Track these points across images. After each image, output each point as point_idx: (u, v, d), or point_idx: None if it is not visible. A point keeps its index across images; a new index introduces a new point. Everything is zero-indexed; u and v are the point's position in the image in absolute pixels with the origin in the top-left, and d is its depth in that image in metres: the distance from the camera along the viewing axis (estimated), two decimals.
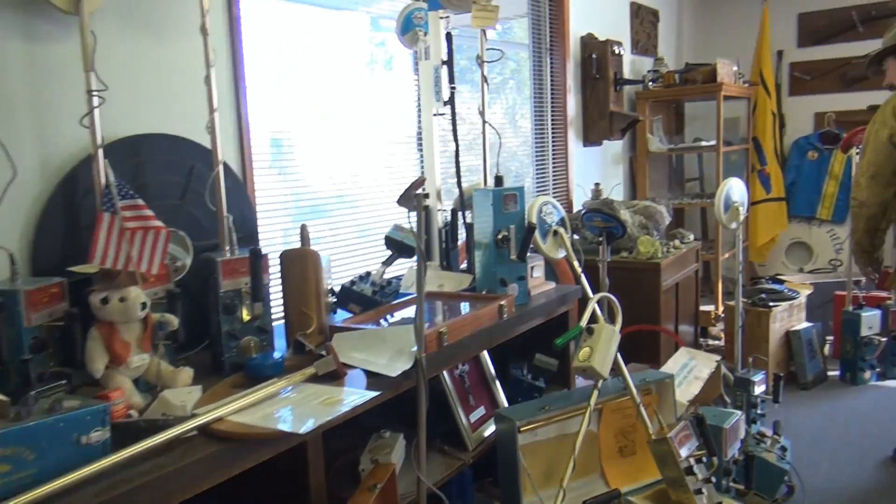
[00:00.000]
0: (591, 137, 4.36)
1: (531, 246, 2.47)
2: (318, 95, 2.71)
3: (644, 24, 5.00)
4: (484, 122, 2.53)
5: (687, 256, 3.88)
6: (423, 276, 1.70)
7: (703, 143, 4.74)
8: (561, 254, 2.51)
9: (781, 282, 4.77)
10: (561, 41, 4.09)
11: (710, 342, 4.58)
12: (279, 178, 2.59)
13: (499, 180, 2.45)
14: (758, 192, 5.52)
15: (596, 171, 4.53)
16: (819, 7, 5.71)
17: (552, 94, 4.16)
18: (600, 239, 2.71)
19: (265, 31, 2.49)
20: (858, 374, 3.91)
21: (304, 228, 1.98)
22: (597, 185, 4.14)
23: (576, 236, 3.35)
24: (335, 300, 2.14)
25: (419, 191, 1.71)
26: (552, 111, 4.17)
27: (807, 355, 3.90)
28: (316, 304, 1.92)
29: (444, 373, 2.21)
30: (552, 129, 4.19)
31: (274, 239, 2.50)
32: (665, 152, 4.83)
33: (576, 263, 2.48)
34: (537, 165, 4.13)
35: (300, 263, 1.93)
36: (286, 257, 1.95)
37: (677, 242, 3.77)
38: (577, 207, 4.16)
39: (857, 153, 3.86)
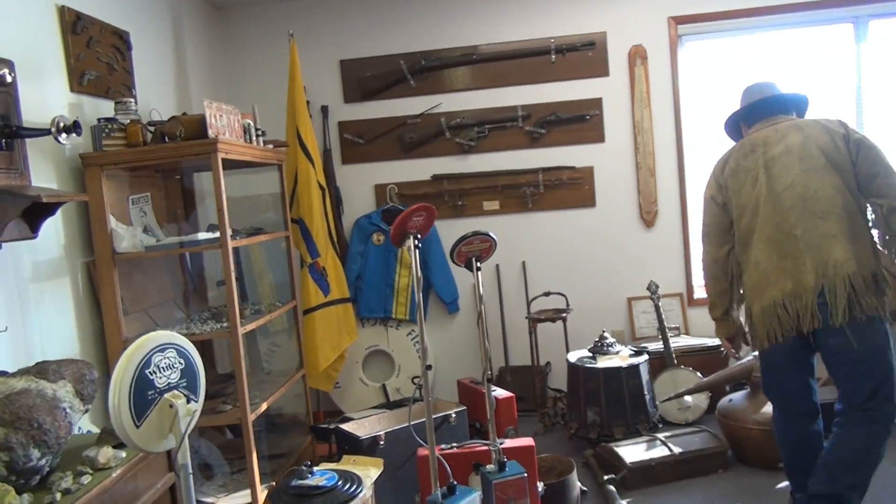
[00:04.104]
0: None
1: None
2: None
3: (97, 47, 3.06)
4: None
5: (140, 474, 1.94)
6: None
7: (202, 236, 2.93)
8: None
9: (346, 439, 3.18)
10: None
11: None
12: None
13: None
14: (312, 296, 3.93)
15: None
16: (362, 53, 4.52)
17: None
18: None
19: None
20: None
21: None
22: None
23: None
24: None
25: None
26: None
27: None
28: None
29: None
30: None
31: None
32: (142, 253, 2.89)
33: None
34: None
35: None
36: None
37: (107, 452, 1.80)
38: None
39: (417, 245, 2.46)
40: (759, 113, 2.76)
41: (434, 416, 3.31)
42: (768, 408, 3.37)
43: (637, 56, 4.41)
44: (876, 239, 2.58)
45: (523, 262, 4.54)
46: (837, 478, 2.49)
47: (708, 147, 4.51)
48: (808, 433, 2.71)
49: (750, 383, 3.50)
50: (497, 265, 4.53)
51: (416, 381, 3.98)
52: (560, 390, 4.25)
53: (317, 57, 4.50)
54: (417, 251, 2.53)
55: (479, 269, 2.69)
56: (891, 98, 4.35)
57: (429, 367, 2.48)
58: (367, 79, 4.51)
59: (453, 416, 3.35)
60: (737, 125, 2.87)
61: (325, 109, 4.51)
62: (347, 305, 4.15)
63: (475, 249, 2.69)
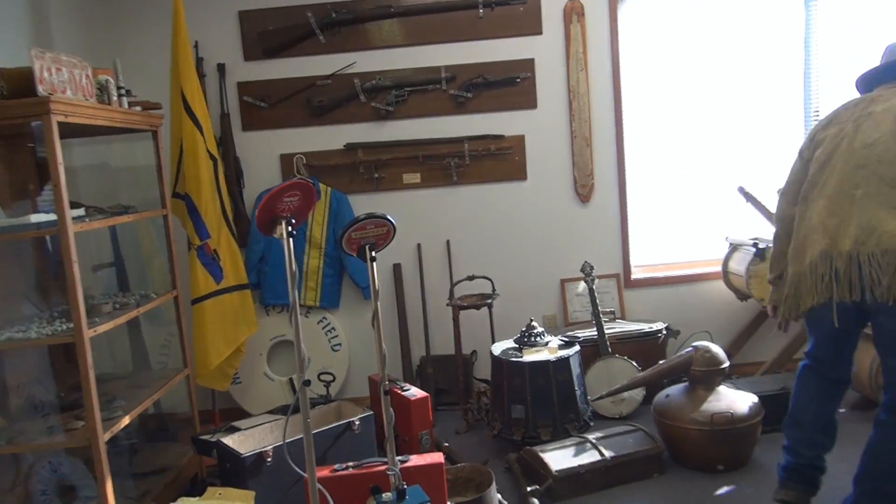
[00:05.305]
0: None
1: None
2: None
3: None
4: None
5: None
6: None
7: (35, 219, 2.39)
8: None
9: (227, 455, 2.73)
10: None
11: None
12: None
13: None
14: (202, 284, 3.43)
15: None
16: (265, 3, 3.95)
17: None
18: None
19: None
20: None
21: None
22: None
23: None
24: None
25: None
26: None
27: None
28: None
29: None
30: None
31: None
32: None
33: None
34: None
35: None
36: None
37: None
38: None
39: (292, 233, 2.00)
40: (887, 75, 2.38)
41: (335, 424, 2.90)
42: (708, 405, 3.06)
43: (573, 12, 3.97)
44: None
45: (447, 241, 4.11)
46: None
47: (649, 115, 4.14)
48: (826, 395, 2.52)
49: (689, 377, 3.17)
50: (419, 244, 4.09)
51: (322, 377, 3.53)
52: (487, 381, 3.87)
53: (212, 7, 3.92)
54: (293, 238, 2.07)
55: (374, 259, 2.25)
56: (843, 59, 4.03)
57: (307, 383, 2.03)
58: (269, 33, 3.95)
59: (357, 423, 2.92)
60: (868, 84, 2.44)
61: (221, 68, 3.94)
62: (245, 293, 3.66)
63: (369, 236, 2.25)
